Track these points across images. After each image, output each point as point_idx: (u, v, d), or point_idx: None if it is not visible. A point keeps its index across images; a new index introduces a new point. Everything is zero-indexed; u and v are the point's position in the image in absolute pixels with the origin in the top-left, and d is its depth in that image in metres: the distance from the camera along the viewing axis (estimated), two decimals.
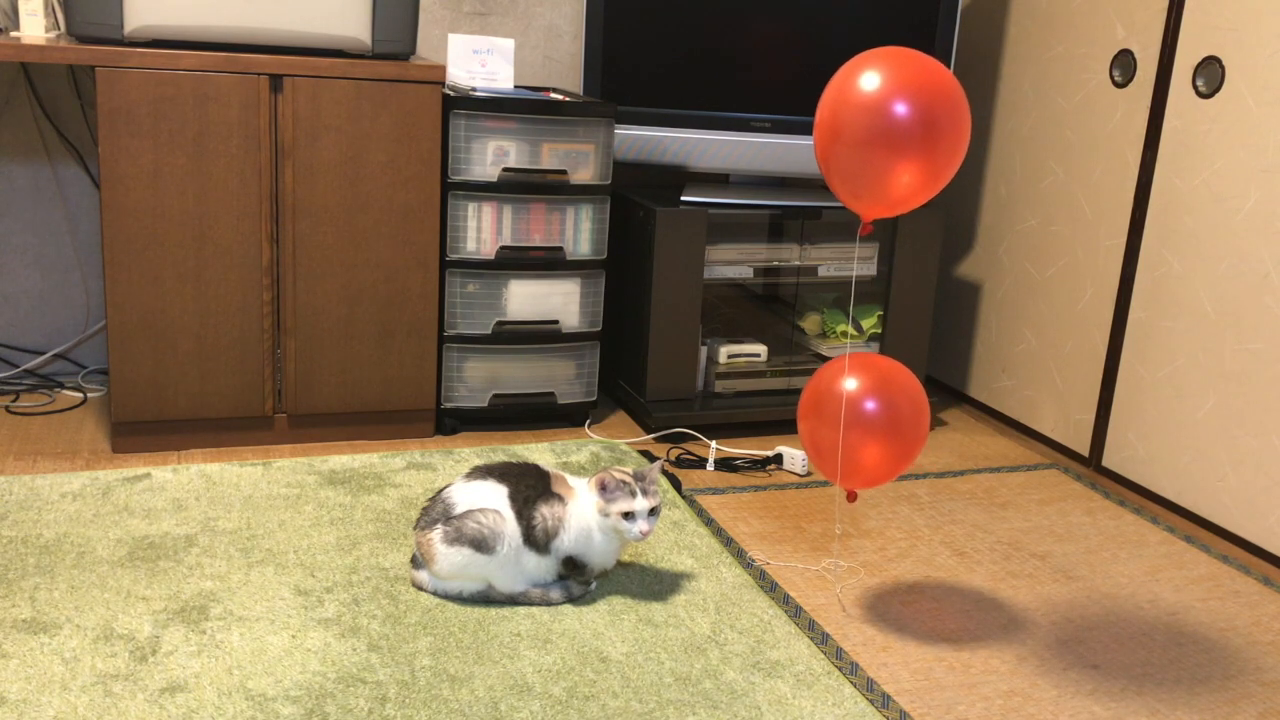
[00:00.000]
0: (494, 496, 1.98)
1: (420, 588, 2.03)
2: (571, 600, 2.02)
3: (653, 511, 1.98)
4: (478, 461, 2.39)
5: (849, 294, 3.22)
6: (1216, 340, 2.55)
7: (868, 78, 1.83)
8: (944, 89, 1.83)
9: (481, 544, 1.94)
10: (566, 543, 1.99)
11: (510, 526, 1.96)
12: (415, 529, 2.02)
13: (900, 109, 1.80)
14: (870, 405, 1.95)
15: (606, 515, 1.97)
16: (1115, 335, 2.82)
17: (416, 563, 2.05)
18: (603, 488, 1.98)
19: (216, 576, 2.03)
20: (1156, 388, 2.70)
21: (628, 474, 1.99)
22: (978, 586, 2.22)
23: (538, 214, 2.74)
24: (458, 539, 1.95)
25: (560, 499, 2.00)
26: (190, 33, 2.41)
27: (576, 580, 2.03)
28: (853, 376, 1.97)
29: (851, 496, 2.05)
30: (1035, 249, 3.07)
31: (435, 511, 1.99)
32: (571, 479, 2.06)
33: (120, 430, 2.56)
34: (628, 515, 1.96)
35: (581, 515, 2.00)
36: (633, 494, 1.97)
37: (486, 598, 2.00)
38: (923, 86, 1.81)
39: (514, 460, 2.06)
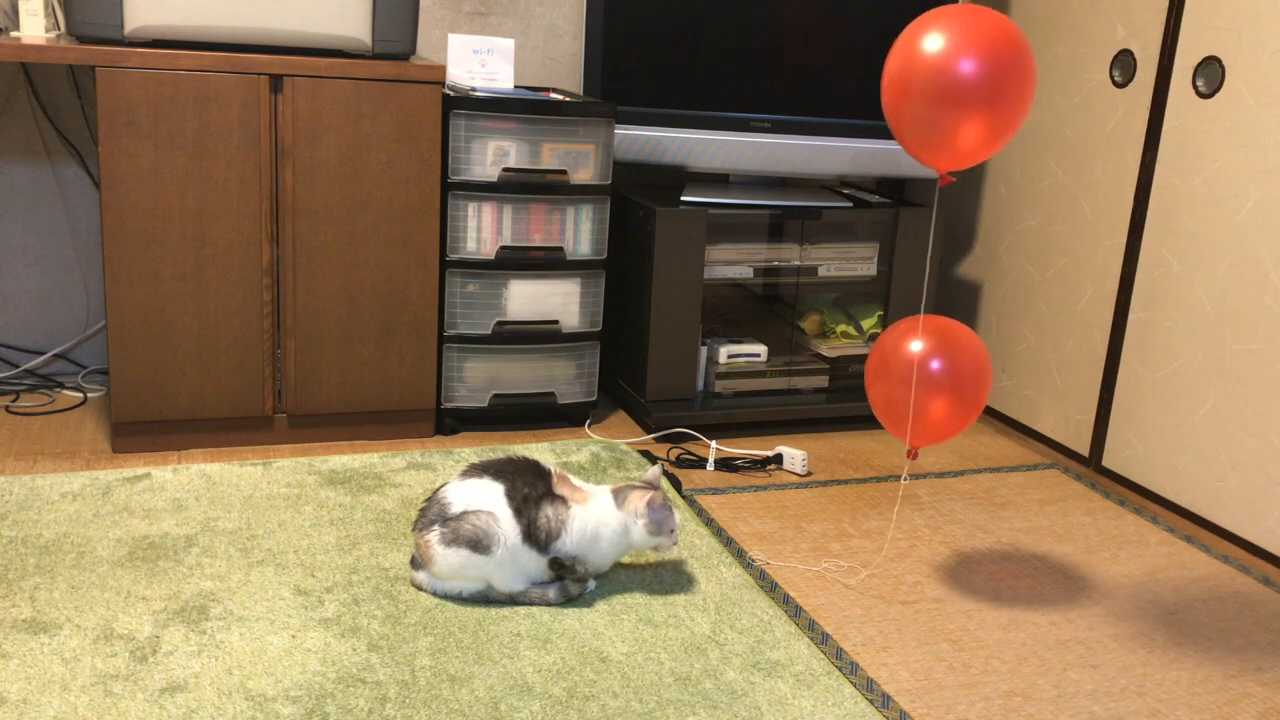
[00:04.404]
0: (490, 495, 1.97)
1: (420, 588, 2.03)
2: (569, 600, 2.02)
3: None
4: (476, 461, 2.38)
5: (850, 294, 3.22)
6: (1216, 340, 2.55)
7: (935, 35, 1.88)
8: (1010, 45, 1.88)
9: (478, 544, 1.94)
10: (568, 544, 1.99)
11: (507, 525, 1.95)
12: (413, 530, 2.03)
13: (966, 66, 1.85)
14: (936, 365, 2.03)
15: (659, 534, 2.02)
16: (1115, 335, 2.82)
17: (416, 563, 2.05)
18: (653, 506, 2.01)
19: (216, 576, 2.03)
20: (1156, 388, 2.70)
21: (654, 487, 2.05)
22: (978, 586, 2.22)
23: (538, 214, 2.74)
24: (455, 540, 1.95)
25: (564, 501, 2.00)
26: (190, 33, 2.41)
27: (573, 580, 2.03)
28: (918, 338, 2.05)
29: (912, 454, 2.12)
30: (1035, 249, 3.07)
31: (432, 513, 1.99)
32: (579, 482, 2.06)
33: (120, 430, 2.56)
34: (671, 531, 2.04)
35: (589, 520, 2.01)
36: (671, 511, 2.03)
37: (486, 598, 2.01)
38: (989, 43, 1.86)
39: (512, 457, 2.06)
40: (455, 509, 1.96)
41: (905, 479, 2.37)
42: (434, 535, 1.96)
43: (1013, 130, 1.93)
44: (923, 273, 3.06)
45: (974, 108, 1.87)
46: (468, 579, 1.99)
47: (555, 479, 2.03)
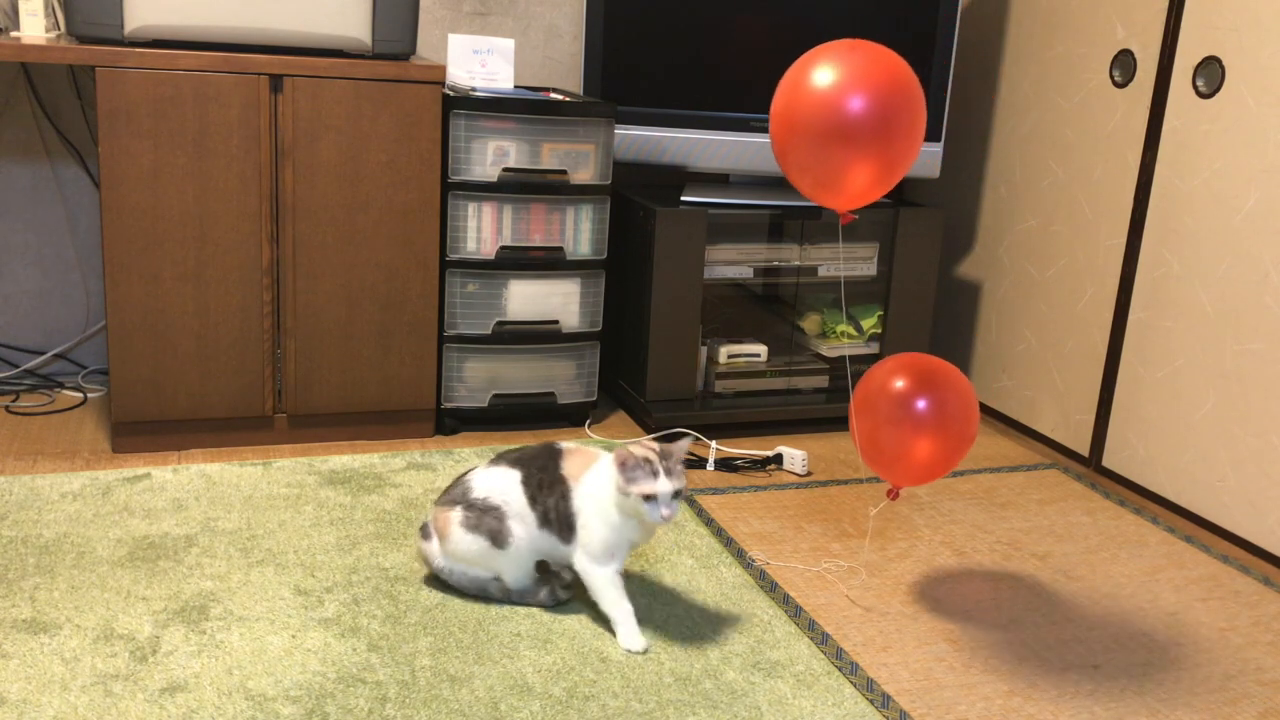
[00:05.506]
0: (508, 482, 1.97)
1: (427, 561, 2.02)
2: (557, 603, 2.01)
3: (676, 494, 1.83)
4: (477, 462, 2.39)
5: (850, 293, 3.22)
6: (1216, 340, 2.55)
7: (823, 71, 1.83)
8: (898, 82, 1.83)
9: (496, 537, 1.95)
10: (582, 522, 1.92)
11: (523, 514, 1.95)
12: (434, 504, 2.03)
13: (855, 104, 1.80)
14: (921, 404, 1.98)
15: (626, 495, 1.83)
16: (1115, 335, 2.82)
17: (426, 533, 2.04)
18: (623, 465, 1.84)
19: (216, 576, 2.03)
20: (1156, 388, 2.70)
21: (652, 450, 1.85)
22: (978, 586, 2.22)
23: (538, 214, 2.74)
24: (476, 528, 1.95)
25: (563, 481, 1.95)
26: (190, 33, 2.42)
27: (560, 586, 2.02)
28: (902, 376, 2.00)
29: (894, 494, 2.08)
30: (1035, 249, 3.07)
31: (455, 492, 2.00)
32: (587, 452, 1.97)
33: (120, 430, 2.56)
34: (649, 498, 1.82)
35: (589, 494, 1.92)
36: (654, 474, 1.82)
37: (485, 596, 2.01)
38: (877, 81, 1.81)
39: (536, 444, 2.03)
40: (475, 494, 1.97)
41: (873, 509, 2.37)
42: (456, 514, 1.96)
43: (906, 167, 1.88)
44: (925, 272, 3.07)
45: (864, 146, 1.80)
46: (480, 567, 1.99)
47: (565, 458, 1.96)
